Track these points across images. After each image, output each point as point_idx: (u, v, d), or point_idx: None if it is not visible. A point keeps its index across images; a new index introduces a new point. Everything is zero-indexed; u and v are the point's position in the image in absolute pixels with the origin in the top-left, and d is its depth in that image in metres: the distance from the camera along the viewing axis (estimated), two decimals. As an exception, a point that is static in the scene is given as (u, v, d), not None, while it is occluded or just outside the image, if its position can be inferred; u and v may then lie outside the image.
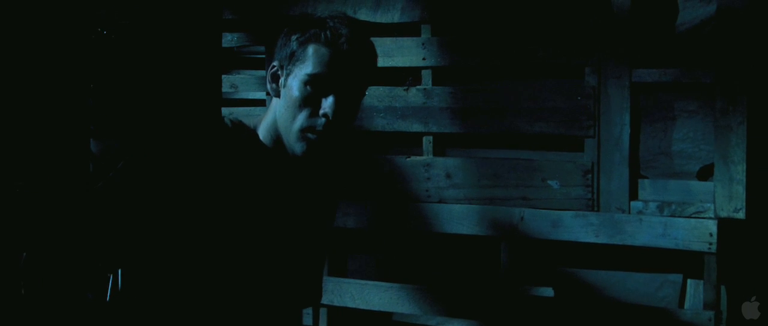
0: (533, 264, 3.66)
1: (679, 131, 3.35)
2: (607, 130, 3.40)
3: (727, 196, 3.21)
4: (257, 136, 1.99)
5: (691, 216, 3.29)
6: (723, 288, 3.31)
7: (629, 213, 3.37)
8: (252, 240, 1.96)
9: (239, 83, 4.24)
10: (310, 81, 1.89)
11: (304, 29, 1.91)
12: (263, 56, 4.08)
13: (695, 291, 3.44)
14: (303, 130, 1.91)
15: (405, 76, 3.76)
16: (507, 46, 3.55)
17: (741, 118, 3.17)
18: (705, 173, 3.32)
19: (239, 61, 4.61)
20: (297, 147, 1.93)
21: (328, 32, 1.89)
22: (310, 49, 1.90)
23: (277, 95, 1.97)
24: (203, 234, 1.91)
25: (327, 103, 1.89)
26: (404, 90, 3.72)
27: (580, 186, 3.45)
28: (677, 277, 3.50)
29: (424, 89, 3.69)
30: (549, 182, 3.51)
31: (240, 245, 1.95)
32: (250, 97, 4.66)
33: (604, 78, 3.38)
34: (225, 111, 3.98)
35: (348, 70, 1.90)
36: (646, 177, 3.41)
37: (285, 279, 2.04)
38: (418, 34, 3.69)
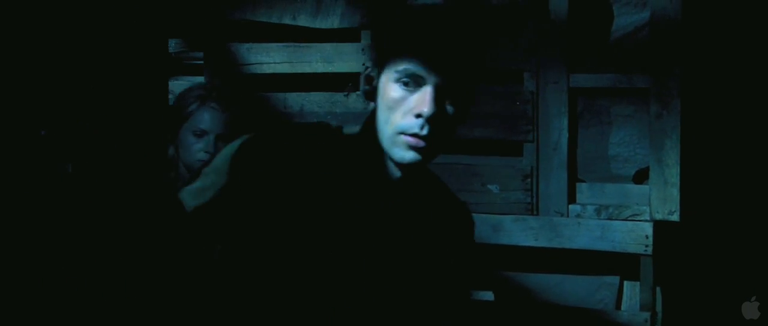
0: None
1: (615, 135, 3.40)
2: (546, 134, 3.43)
3: (662, 199, 3.26)
4: (353, 146, 1.77)
5: (627, 219, 3.33)
6: (658, 290, 3.36)
7: (568, 216, 3.41)
8: (324, 271, 1.68)
9: (177, 90, 4.18)
10: (405, 76, 1.67)
11: (396, 20, 1.70)
12: (201, 62, 4.04)
13: (632, 292, 3.48)
14: (399, 133, 1.68)
15: (345, 82, 3.75)
16: (446, 51, 3.57)
17: (675, 122, 3.22)
18: (641, 176, 3.37)
19: (177, 67, 4.55)
20: (395, 153, 1.69)
21: (423, 20, 1.66)
22: (403, 41, 1.66)
23: (372, 98, 1.78)
24: (270, 254, 1.67)
25: (423, 100, 1.64)
26: (345, 96, 3.71)
27: (519, 191, 3.48)
28: (614, 279, 3.54)
29: (364, 95, 3.69)
30: (488, 187, 3.53)
31: (307, 275, 1.67)
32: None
33: (542, 83, 3.42)
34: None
35: (449, 59, 1.65)
36: (584, 181, 3.45)
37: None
38: (358, 39, 3.69)
